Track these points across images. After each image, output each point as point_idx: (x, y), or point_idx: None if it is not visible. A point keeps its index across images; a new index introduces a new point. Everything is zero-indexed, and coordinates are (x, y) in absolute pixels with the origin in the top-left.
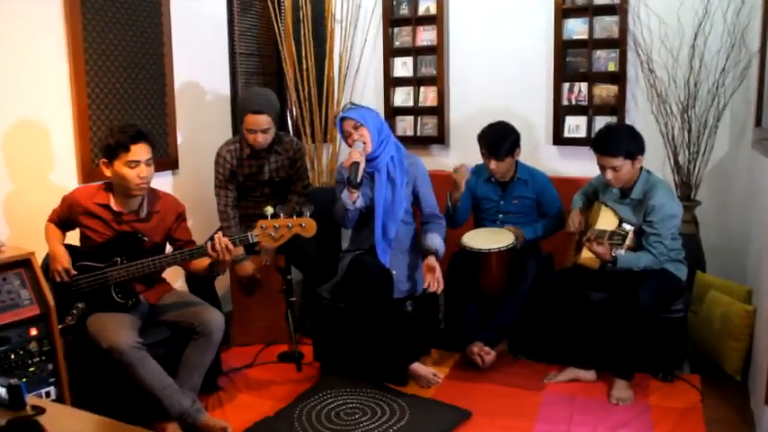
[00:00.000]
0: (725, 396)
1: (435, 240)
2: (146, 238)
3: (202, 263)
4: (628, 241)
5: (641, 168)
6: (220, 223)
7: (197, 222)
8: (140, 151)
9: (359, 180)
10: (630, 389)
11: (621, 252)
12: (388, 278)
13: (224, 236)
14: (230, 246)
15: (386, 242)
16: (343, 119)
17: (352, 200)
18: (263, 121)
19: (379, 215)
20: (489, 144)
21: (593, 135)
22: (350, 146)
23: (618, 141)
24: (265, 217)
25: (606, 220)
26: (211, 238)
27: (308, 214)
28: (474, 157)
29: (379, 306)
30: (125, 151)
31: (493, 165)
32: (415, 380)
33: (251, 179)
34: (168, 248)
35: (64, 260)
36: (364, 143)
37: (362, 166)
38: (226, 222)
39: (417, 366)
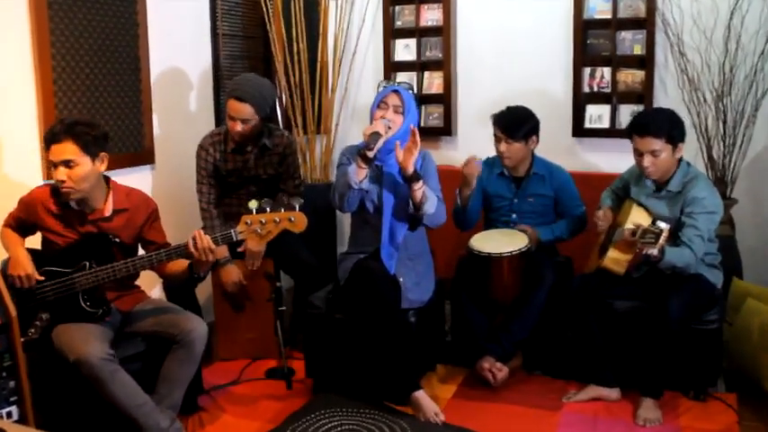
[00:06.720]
0: (764, 417)
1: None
2: (117, 239)
3: (181, 264)
4: (662, 240)
5: (680, 159)
6: (203, 222)
7: (176, 222)
8: (57, 151)
9: (374, 152)
10: (659, 409)
11: (654, 251)
12: (395, 287)
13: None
14: (212, 246)
15: (392, 246)
16: (395, 91)
17: (360, 177)
18: (244, 110)
19: (388, 214)
20: (505, 122)
21: (617, 125)
22: (372, 117)
23: (661, 122)
24: (250, 212)
25: (637, 220)
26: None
27: (297, 207)
28: (485, 150)
29: (385, 318)
30: (47, 151)
31: (503, 147)
32: (415, 410)
33: (235, 175)
34: (141, 253)
35: (27, 265)
36: (389, 127)
37: (381, 143)
38: (209, 222)
39: (422, 397)
